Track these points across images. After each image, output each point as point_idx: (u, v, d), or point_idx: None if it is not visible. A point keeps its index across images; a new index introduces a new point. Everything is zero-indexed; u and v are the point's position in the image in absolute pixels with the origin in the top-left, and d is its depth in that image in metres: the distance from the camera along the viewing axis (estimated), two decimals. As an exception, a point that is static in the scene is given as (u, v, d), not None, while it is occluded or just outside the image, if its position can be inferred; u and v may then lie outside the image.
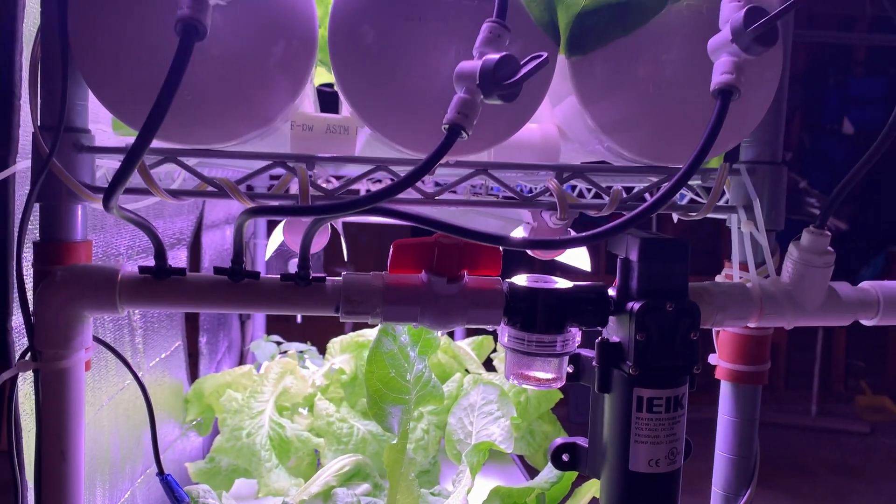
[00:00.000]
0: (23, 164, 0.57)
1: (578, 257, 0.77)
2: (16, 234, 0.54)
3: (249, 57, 0.50)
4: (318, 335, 1.46)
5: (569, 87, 0.55)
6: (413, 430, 0.99)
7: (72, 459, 0.51)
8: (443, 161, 0.46)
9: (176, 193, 0.53)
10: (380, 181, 1.04)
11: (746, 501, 0.61)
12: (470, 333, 1.51)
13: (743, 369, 0.61)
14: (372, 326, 0.67)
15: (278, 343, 1.56)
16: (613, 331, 0.54)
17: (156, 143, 0.47)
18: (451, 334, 1.28)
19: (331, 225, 0.83)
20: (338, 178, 0.54)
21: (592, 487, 0.82)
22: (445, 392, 1.05)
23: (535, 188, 0.59)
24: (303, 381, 1.11)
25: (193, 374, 1.31)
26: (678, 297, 0.52)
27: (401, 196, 0.46)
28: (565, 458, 0.59)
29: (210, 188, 0.53)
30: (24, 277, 0.52)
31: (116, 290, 0.50)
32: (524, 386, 0.56)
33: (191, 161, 0.55)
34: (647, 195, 0.59)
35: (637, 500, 0.54)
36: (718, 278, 0.62)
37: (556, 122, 0.63)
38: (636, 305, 0.52)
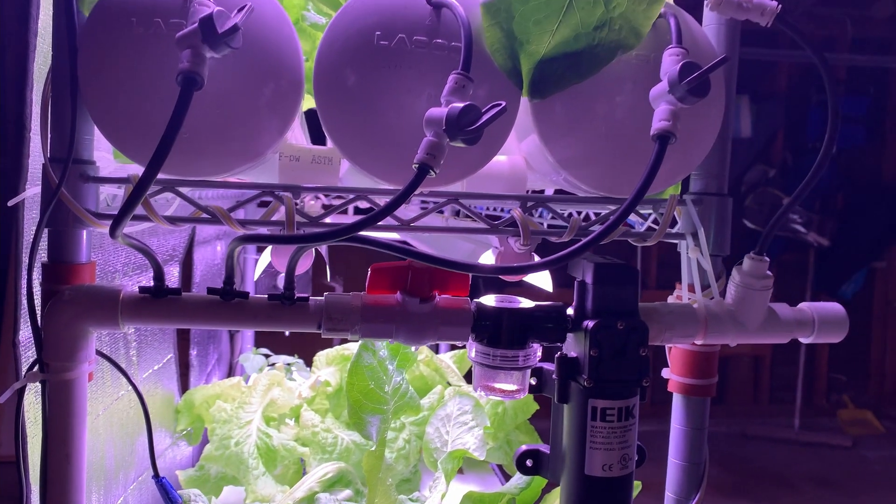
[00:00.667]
0: (32, 191, 0.62)
1: (542, 279, 0.83)
2: (25, 256, 0.59)
3: (241, 99, 0.55)
4: (306, 348, 1.50)
5: (532, 125, 0.60)
6: (395, 440, 1.03)
7: (75, 462, 0.56)
8: (417, 192, 0.52)
9: (173, 220, 0.58)
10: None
11: (696, 505, 0.66)
12: (453, 347, 1.56)
13: (692, 382, 0.66)
14: (354, 341, 0.71)
15: (266, 356, 1.61)
16: (571, 347, 0.60)
17: (156, 175, 0.53)
18: (435, 348, 1.33)
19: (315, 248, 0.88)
20: (326, 193, 0.60)
21: (562, 494, 0.86)
22: (427, 403, 1.10)
23: (507, 212, 0.64)
24: (289, 392, 1.16)
25: (184, 385, 1.35)
26: (629, 317, 0.58)
27: (380, 223, 0.52)
28: (529, 463, 0.64)
29: (204, 215, 0.58)
30: (34, 296, 0.57)
31: (118, 308, 0.55)
32: (490, 397, 0.61)
33: (185, 189, 0.60)
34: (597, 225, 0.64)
35: (593, 502, 0.59)
36: (670, 299, 0.68)
37: (522, 154, 0.69)
38: (590, 324, 0.57)
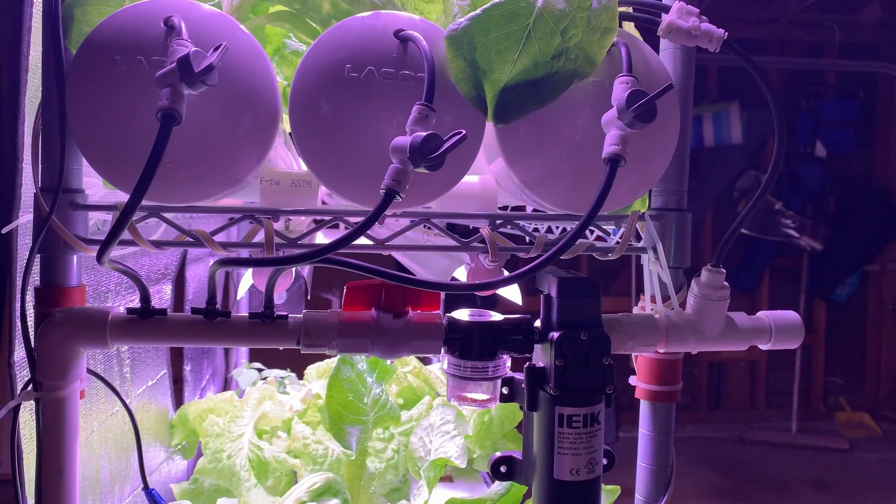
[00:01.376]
0: (25, 219, 0.65)
1: (511, 292, 0.86)
2: (19, 280, 0.62)
3: (220, 130, 0.58)
4: (299, 362, 1.53)
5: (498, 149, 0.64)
6: (384, 450, 1.06)
7: (68, 476, 0.59)
8: (389, 213, 0.55)
9: (159, 244, 0.62)
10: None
11: (664, 506, 0.69)
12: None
13: (658, 389, 0.69)
14: (333, 356, 0.74)
15: (259, 370, 1.64)
16: (539, 357, 0.63)
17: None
18: (423, 360, 1.36)
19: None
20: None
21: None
22: (415, 414, 1.13)
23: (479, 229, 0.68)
24: (281, 405, 1.19)
25: (178, 400, 1.38)
26: (592, 328, 0.61)
27: (356, 242, 0.55)
28: (503, 469, 0.67)
29: (188, 238, 0.61)
30: (27, 318, 0.60)
31: (107, 329, 0.59)
32: (463, 407, 0.64)
33: (169, 214, 0.63)
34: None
35: (561, 505, 0.62)
36: (635, 309, 0.71)
37: (492, 175, 0.72)
38: (555, 335, 0.60)
